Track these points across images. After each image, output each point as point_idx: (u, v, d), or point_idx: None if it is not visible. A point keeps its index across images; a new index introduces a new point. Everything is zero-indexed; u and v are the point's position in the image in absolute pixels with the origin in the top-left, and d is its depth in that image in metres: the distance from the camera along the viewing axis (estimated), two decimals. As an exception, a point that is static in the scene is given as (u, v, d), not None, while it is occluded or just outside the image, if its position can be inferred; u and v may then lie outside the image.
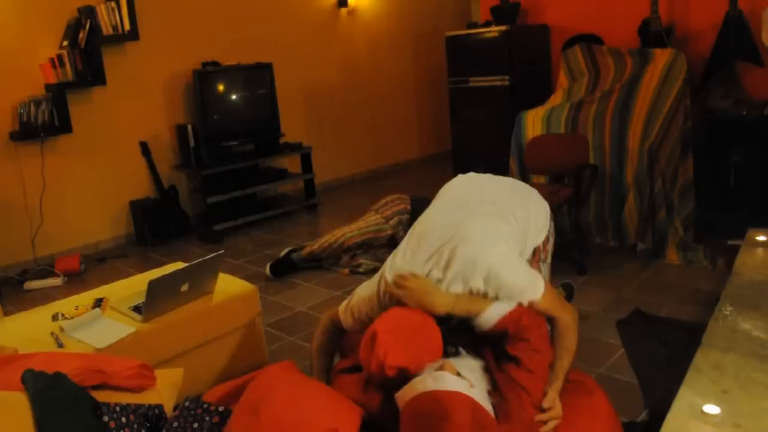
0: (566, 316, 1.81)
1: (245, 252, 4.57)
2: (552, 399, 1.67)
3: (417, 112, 7.40)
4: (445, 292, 1.75)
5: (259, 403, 1.60)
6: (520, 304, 1.74)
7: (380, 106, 6.93)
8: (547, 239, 2.14)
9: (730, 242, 3.44)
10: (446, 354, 1.72)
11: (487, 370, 1.70)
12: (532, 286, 1.77)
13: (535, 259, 2.06)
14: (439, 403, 1.44)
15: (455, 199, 2.09)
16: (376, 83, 6.84)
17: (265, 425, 1.51)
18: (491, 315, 1.72)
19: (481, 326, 1.74)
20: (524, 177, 4.21)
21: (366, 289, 1.95)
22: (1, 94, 4.35)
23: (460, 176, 2.28)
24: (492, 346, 1.76)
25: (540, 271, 2.07)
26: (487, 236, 1.82)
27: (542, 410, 1.65)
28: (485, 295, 1.74)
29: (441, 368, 1.58)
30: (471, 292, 1.75)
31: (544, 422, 1.64)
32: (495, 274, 1.73)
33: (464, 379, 1.55)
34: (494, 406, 1.60)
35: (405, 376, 1.58)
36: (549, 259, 2.21)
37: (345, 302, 2.04)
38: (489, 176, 2.27)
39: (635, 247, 3.76)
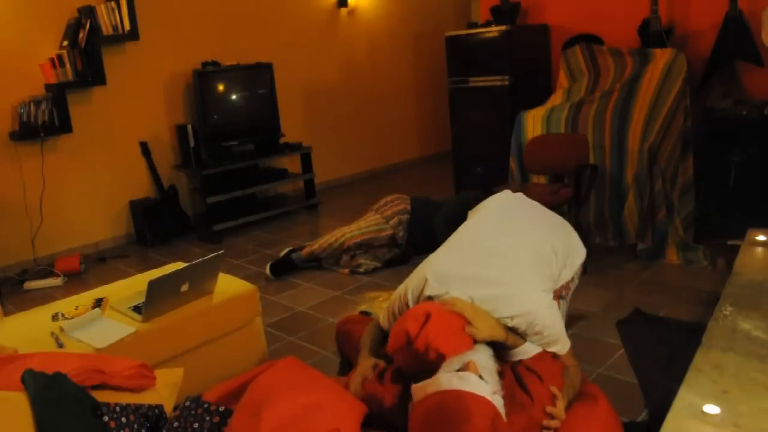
0: (577, 366, 1.89)
1: (245, 252, 4.57)
2: (559, 408, 1.70)
3: (417, 112, 7.40)
4: (495, 321, 1.78)
5: (260, 404, 1.60)
6: (544, 351, 1.82)
7: (380, 106, 6.93)
8: (572, 279, 2.21)
9: (730, 242, 3.44)
10: None
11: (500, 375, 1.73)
12: (563, 341, 1.85)
13: (556, 293, 2.08)
14: (462, 403, 1.44)
15: (503, 217, 2.19)
16: (376, 83, 6.84)
17: (266, 426, 1.51)
18: (528, 349, 1.79)
19: (515, 355, 1.80)
20: (524, 177, 4.21)
21: (402, 287, 1.98)
22: (1, 94, 4.35)
23: (508, 193, 2.38)
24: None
25: (559, 305, 2.09)
26: (531, 275, 1.90)
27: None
28: (515, 331, 1.81)
29: (466, 367, 1.58)
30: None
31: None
32: (533, 319, 1.78)
33: (487, 383, 1.55)
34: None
35: (432, 368, 1.59)
36: (569, 297, 2.24)
37: (383, 312, 2.08)
38: (535, 202, 2.37)
39: (635, 247, 3.76)
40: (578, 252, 2.21)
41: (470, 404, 1.43)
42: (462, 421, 1.40)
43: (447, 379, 1.52)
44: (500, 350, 1.79)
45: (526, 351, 1.79)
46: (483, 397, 1.47)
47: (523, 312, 1.78)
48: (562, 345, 1.85)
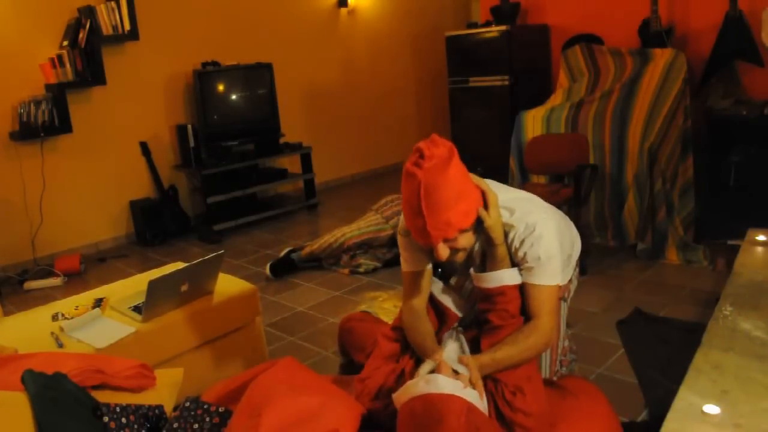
0: (546, 324, 1.71)
1: (245, 252, 4.57)
2: (472, 375, 1.59)
3: (417, 112, 7.40)
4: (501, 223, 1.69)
5: (259, 406, 1.60)
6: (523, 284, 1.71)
7: (380, 106, 6.93)
8: (570, 280, 2.11)
9: (730, 242, 3.44)
10: (434, 272, 1.77)
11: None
12: (552, 269, 1.70)
13: (558, 295, 2.04)
14: (432, 406, 1.44)
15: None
16: (376, 83, 6.84)
17: (265, 428, 1.51)
18: (504, 276, 1.69)
19: (485, 280, 1.71)
20: (524, 177, 4.21)
21: None
22: (1, 94, 4.35)
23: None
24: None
25: (560, 308, 2.03)
26: (549, 217, 1.77)
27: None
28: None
29: (438, 369, 1.58)
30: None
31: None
32: (537, 235, 1.67)
33: (458, 378, 1.55)
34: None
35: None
36: (569, 299, 2.19)
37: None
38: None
39: (635, 247, 3.76)
40: (576, 248, 2.17)
41: (440, 405, 1.44)
42: (435, 423, 1.40)
43: (414, 384, 1.53)
44: (476, 261, 1.72)
45: (502, 279, 1.69)
46: (452, 395, 1.47)
47: (531, 222, 1.68)
48: (550, 272, 1.69)
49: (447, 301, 1.88)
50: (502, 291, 1.70)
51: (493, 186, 1.75)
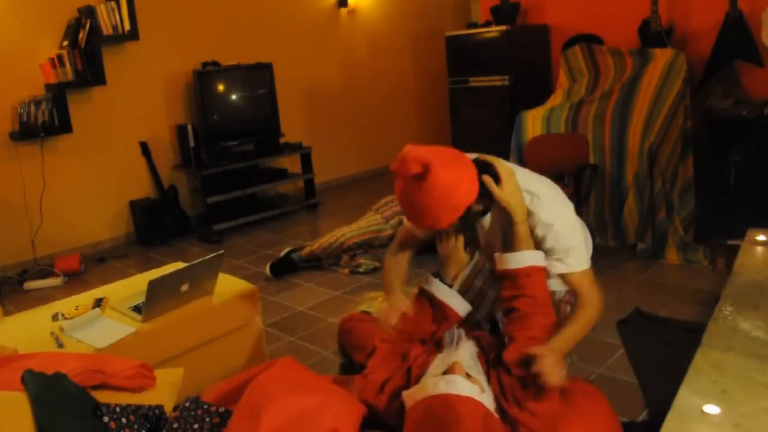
0: (594, 294, 1.76)
1: (245, 252, 4.57)
2: (545, 360, 1.55)
3: (417, 112, 7.39)
4: (521, 198, 1.69)
5: (259, 406, 1.60)
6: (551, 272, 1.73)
7: (380, 106, 6.93)
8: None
9: (730, 242, 3.44)
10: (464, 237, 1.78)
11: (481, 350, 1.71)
12: (580, 254, 1.75)
13: (564, 300, 2.02)
14: (451, 408, 1.44)
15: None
16: (376, 83, 6.84)
17: (265, 428, 1.51)
18: (526, 256, 1.69)
19: (507, 261, 1.70)
20: (524, 177, 4.21)
21: None
22: (1, 94, 4.35)
23: None
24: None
25: (567, 311, 2.01)
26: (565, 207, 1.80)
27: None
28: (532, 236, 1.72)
29: (451, 369, 1.57)
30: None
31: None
32: (555, 226, 1.71)
33: (475, 382, 1.54)
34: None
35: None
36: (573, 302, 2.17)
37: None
38: None
39: (635, 247, 3.76)
40: (589, 241, 2.14)
41: (459, 407, 1.43)
42: (453, 424, 1.40)
43: (433, 383, 1.52)
44: (502, 237, 1.71)
45: (525, 259, 1.68)
46: (471, 398, 1.46)
47: (549, 212, 1.70)
48: (576, 257, 1.74)
49: (449, 301, 1.88)
50: (527, 273, 1.68)
51: (519, 173, 1.74)
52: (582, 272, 1.78)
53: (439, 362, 1.66)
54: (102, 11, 4.57)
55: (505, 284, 1.73)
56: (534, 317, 1.67)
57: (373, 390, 1.76)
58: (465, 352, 1.71)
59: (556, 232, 1.71)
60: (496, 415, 1.52)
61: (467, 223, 1.74)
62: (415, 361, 1.78)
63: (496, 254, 1.77)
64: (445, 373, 1.58)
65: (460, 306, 1.91)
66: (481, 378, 1.62)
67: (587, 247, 2.02)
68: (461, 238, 1.92)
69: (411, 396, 1.55)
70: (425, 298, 1.93)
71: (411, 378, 1.72)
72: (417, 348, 1.84)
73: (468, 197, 1.57)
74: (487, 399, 1.52)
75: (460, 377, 1.53)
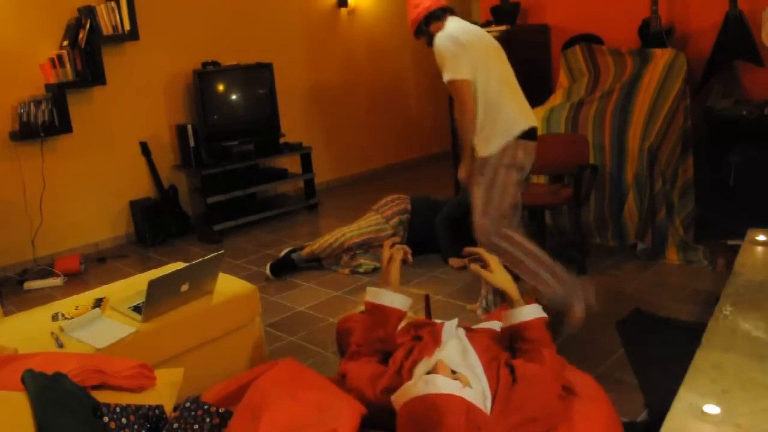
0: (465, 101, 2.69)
1: (245, 252, 4.57)
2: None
3: (417, 112, 7.39)
4: (512, 280, 2.00)
5: (259, 408, 1.60)
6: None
7: (380, 106, 6.93)
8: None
9: (730, 242, 3.44)
10: None
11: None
12: (449, 65, 2.70)
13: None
14: (432, 407, 1.44)
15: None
16: (376, 83, 6.84)
17: (264, 430, 1.51)
18: (526, 313, 1.89)
19: (512, 317, 1.90)
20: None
21: None
22: (1, 94, 4.35)
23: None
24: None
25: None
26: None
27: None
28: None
29: (435, 369, 1.58)
30: None
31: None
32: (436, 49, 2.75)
33: (457, 378, 1.55)
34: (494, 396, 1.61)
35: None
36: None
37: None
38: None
39: (635, 247, 3.76)
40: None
41: (440, 405, 1.43)
42: (436, 423, 1.40)
43: (413, 385, 1.53)
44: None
45: (524, 314, 1.88)
46: (451, 395, 1.47)
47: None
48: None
49: (383, 300, 2.02)
50: (528, 326, 1.88)
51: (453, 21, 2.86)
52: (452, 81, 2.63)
53: (423, 364, 1.67)
54: (102, 11, 4.57)
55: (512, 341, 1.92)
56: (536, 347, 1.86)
57: (370, 388, 1.77)
58: (451, 348, 1.73)
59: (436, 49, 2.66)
60: (482, 407, 1.52)
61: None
62: (404, 362, 1.80)
63: (503, 312, 1.99)
64: (428, 373, 1.59)
65: (396, 301, 2.00)
66: (470, 372, 1.62)
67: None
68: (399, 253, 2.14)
69: (396, 401, 1.56)
70: (366, 310, 2.03)
71: (404, 379, 1.74)
72: (400, 352, 1.86)
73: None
74: (470, 393, 1.52)
75: (441, 376, 1.53)
